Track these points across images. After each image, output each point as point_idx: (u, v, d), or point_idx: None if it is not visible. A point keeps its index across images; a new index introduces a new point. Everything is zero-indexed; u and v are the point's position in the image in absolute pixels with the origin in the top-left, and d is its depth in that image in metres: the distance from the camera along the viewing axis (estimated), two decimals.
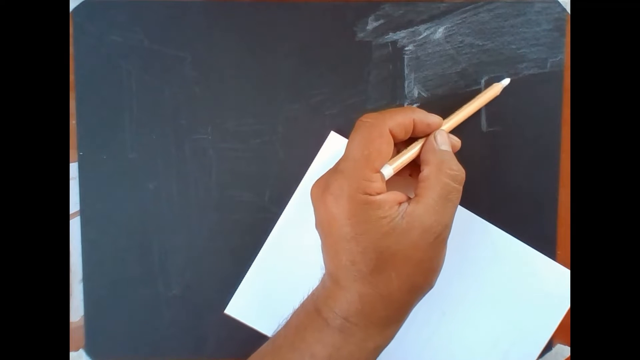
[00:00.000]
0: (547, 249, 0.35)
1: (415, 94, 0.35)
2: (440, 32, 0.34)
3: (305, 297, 0.31)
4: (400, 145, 0.31)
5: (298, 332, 0.30)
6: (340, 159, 0.29)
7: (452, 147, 0.31)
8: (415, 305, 0.30)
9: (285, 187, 0.35)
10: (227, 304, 0.35)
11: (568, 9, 0.34)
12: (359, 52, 0.35)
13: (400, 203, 0.28)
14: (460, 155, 0.31)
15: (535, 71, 0.34)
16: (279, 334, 0.31)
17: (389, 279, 0.28)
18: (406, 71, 0.35)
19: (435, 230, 0.28)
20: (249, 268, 0.35)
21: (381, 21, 0.34)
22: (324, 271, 0.31)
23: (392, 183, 0.29)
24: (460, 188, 0.29)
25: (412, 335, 0.35)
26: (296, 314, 0.31)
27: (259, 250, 0.35)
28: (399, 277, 0.28)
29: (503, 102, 0.34)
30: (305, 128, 0.35)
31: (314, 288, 0.31)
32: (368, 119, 0.29)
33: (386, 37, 0.35)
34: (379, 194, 0.28)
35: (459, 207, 0.34)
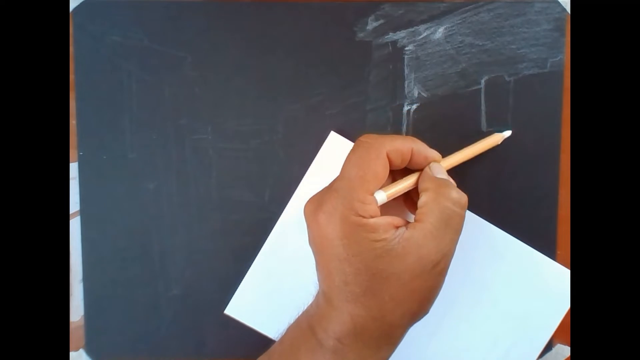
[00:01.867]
0: (547, 249, 0.35)
1: (415, 94, 0.35)
2: (440, 32, 0.35)
3: (300, 313, 0.31)
4: (396, 174, 0.30)
5: (292, 352, 0.29)
6: (335, 178, 0.29)
7: None
8: (409, 328, 0.29)
9: (285, 187, 0.35)
10: (227, 304, 0.35)
11: (568, 9, 0.34)
12: (359, 52, 0.35)
13: (397, 227, 0.28)
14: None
15: (535, 71, 0.34)
16: (273, 350, 0.30)
17: (382, 302, 0.27)
18: (406, 71, 0.35)
19: (433, 258, 0.27)
20: (249, 268, 0.35)
21: (381, 21, 0.34)
22: (317, 289, 0.30)
23: (388, 211, 0.29)
24: (463, 213, 0.28)
25: (412, 336, 0.35)
26: (290, 330, 0.30)
27: (259, 250, 0.35)
28: (392, 300, 0.27)
29: (503, 102, 0.34)
30: (305, 128, 0.35)
31: (308, 305, 0.31)
32: (367, 139, 0.29)
33: (386, 37, 0.35)
34: (372, 217, 0.27)
35: None
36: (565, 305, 0.35)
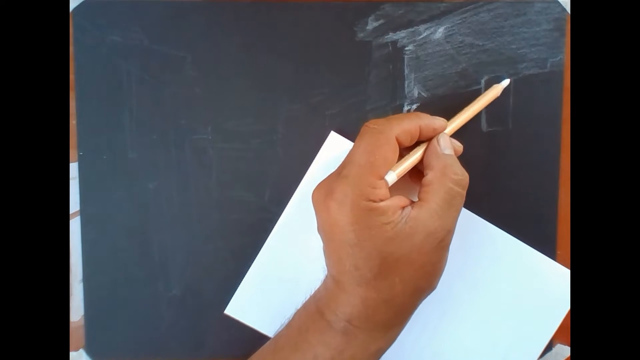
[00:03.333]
0: (547, 249, 0.35)
1: (415, 94, 0.35)
2: (440, 32, 0.34)
3: (307, 298, 0.31)
4: (403, 149, 0.31)
5: (300, 334, 0.30)
6: (343, 164, 0.29)
7: (455, 151, 0.30)
8: (417, 307, 0.30)
9: (285, 187, 0.35)
10: (227, 304, 0.35)
11: (568, 9, 0.34)
12: (359, 52, 0.35)
13: (403, 207, 0.28)
14: (460, 154, 0.31)
15: (535, 71, 0.34)
16: (280, 334, 0.31)
17: (393, 284, 0.28)
18: (406, 71, 0.35)
19: (438, 235, 0.28)
20: (249, 268, 0.35)
21: (381, 21, 0.34)
22: (326, 273, 0.31)
23: (393, 186, 0.29)
24: (464, 193, 0.29)
25: (413, 336, 0.35)
26: (298, 315, 0.31)
27: (259, 250, 0.35)
28: (402, 281, 0.28)
29: (503, 102, 0.34)
30: (305, 128, 0.35)
31: (315, 289, 0.31)
32: (374, 125, 0.29)
33: (386, 37, 0.35)
34: (382, 200, 0.28)
35: None
36: (565, 305, 0.35)
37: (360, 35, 0.35)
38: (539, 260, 0.35)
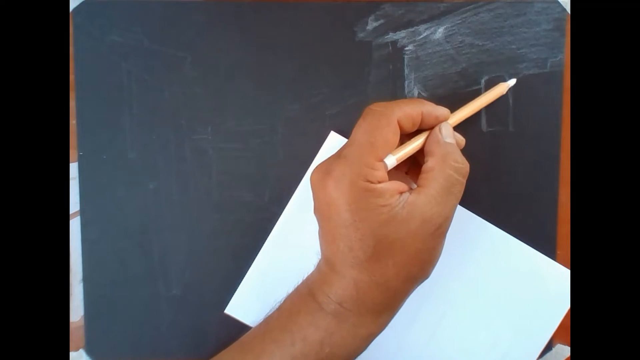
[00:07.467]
0: (547, 249, 0.35)
1: (415, 94, 0.35)
2: (440, 32, 0.34)
3: (300, 282, 0.31)
4: (404, 137, 0.31)
5: (291, 315, 0.29)
6: (344, 145, 0.29)
7: (457, 144, 0.30)
8: (410, 294, 0.30)
9: (285, 187, 0.35)
10: (227, 304, 0.35)
11: (568, 9, 0.34)
12: (359, 52, 0.35)
13: (401, 192, 0.28)
14: (462, 149, 0.31)
15: (535, 71, 0.34)
16: (271, 316, 0.31)
17: (386, 267, 0.28)
18: (406, 71, 0.35)
19: (435, 221, 0.28)
20: (249, 268, 0.35)
21: (381, 21, 0.34)
22: (319, 257, 0.31)
23: (391, 177, 0.29)
24: (464, 181, 0.29)
25: (413, 336, 0.35)
26: (290, 297, 0.31)
27: (259, 250, 0.35)
28: (396, 265, 0.28)
29: (503, 102, 0.34)
30: (305, 128, 0.35)
31: (309, 273, 0.31)
32: (377, 107, 0.29)
33: (386, 37, 0.35)
34: (380, 182, 0.28)
35: (459, 207, 0.34)
36: (565, 305, 0.35)
37: (360, 35, 0.35)
38: (539, 260, 0.35)
